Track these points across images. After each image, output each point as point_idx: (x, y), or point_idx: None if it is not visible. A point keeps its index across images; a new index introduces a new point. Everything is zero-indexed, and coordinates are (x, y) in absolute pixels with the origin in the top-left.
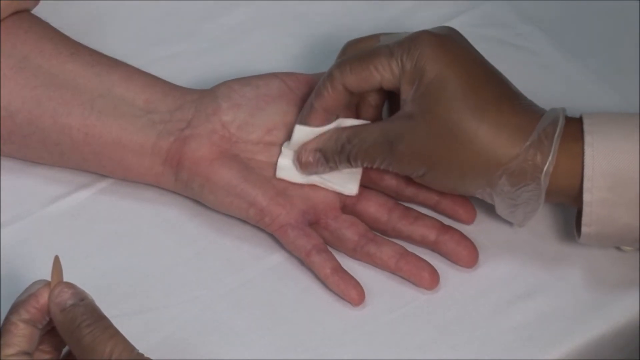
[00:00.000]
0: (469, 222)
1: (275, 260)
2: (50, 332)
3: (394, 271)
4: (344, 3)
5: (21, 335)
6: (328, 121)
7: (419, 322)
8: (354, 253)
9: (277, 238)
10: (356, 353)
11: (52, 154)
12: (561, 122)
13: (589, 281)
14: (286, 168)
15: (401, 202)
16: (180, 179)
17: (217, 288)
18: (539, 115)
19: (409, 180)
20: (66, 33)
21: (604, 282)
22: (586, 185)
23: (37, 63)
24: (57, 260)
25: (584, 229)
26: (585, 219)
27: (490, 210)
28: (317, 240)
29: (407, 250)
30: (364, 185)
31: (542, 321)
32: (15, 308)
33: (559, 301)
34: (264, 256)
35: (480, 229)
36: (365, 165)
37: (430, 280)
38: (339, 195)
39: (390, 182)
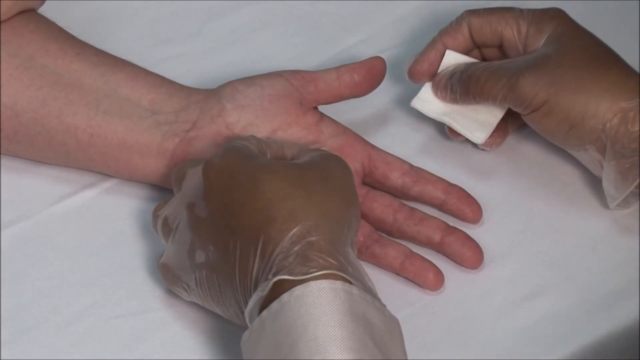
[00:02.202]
0: (475, 221)
1: None
2: None
3: (398, 272)
4: (349, 3)
5: None
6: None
7: (424, 323)
8: (359, 254)
9: None
10: None
11: (58, 153)
12: None
13: (594, 282)
14: (423, 99)
15: (407, 203)
16: None
17: None
18: None
19: (415, 179)
20: (72, 32)
21: (609, 282)
22: None
23: (42, 63)
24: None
25: None
26: None
27: (494, 210)
28: None
29: (412, 251)
30: (369, 186)
31: (547, 322)
32: None
33: (564, 302)
34: None
35: (485, 230)
36: (482, 91)
37: (434, 281)
38: None
39: (396, 181)
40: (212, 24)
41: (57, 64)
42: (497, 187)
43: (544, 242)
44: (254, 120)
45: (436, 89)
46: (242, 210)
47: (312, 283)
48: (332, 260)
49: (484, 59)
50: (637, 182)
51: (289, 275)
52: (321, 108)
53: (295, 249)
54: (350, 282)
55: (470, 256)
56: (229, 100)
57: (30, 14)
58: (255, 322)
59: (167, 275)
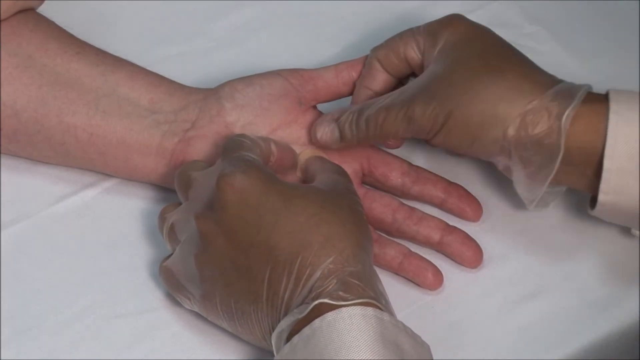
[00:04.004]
0: (475, 219)
1: None
2: None
3: (397, 271)
4: (350, 3)
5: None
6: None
7: (424, 323)
8: None
9: None
10: None
11: (58, 153)
12: (586, 86)
13: (594, 281)
14: None
15: (407, 202)
16: None
17: None
18: (561, 81)
19: (414, 178)
20: (71, 32)
21: (609, 282)
22: (607, 151)
23: (42, 62)
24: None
25: (600, 196)
26: (603, 186)
27: (495, 209)
28: None
29: (410, 251)
30: (369, 186)
31: (547, 321)
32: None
33: (564, 301)
34: None
35: (485, 229)
36: (382, 131)
37: (433, 280)
38: None
39: (396, 181)
40: (212, 24)
41: (56, 63)
42: (497, 186)
43: (544, 242)
44: (254, 120)
45: (318, 140)
46: (272, 230)
47: (344, 309)
48: (369, 291)
49: None
50: (548, 182)
51: (330, 300)
52: (321, 107)
53: (336, 275)
54: (379, 309)
55: (470, 255)
56: (228, 99)
57: (29, 13)
58: (286, 347)
59: (170, 281)
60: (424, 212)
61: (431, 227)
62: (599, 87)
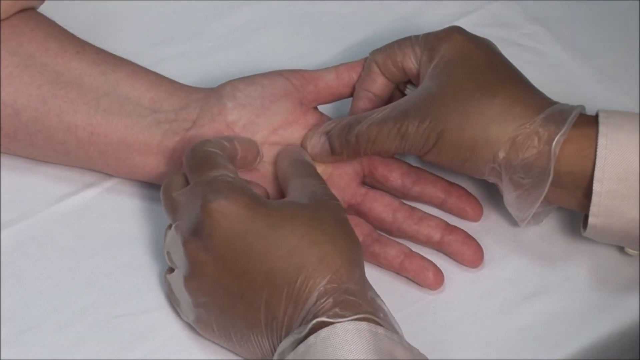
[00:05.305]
0: (476, 219)
1: None
2: None
3: (398, 271)
4: (351, 3)
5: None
6: (374, 104)
7: (425, 322)
8: None
9: None
10: None
11: (58, 152)
12: (578, 108)
13: (596, 281)
14: None
15: (407, 202)
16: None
17: None
18: (554, 102)
19: (414, 179)
20: (72, 31)
21: (610, 282)
22: (597, 174)
23: (42, 61)
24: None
25: (591, 219)
26: (593, 209)
27: (496, 210)
28: None
29: (411, 250)
30: (369, 186)
31: (548, 321)
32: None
33: (565, 301)
34: None
35: (485, 229)
36: (374, 147)
37: (434, 280)
38: (343, 195)
39: (395, 182)
40: (212, 24)
41: (57, 63)
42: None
43: (545, 242)
44: (255, 119)
45: (312, 154)
46: (265, 256)
47: (338, 325)
48: (366, 306)
49: None
50: (537, 204)
51: (327, 318)
52: (322, 108)
53: (332, 294)
54: (376, 323)
55: (470, 255)
56: (229, 99)
57: (30, 13)
58: None
59: (171, 295)
60: (424, 212)
61: (432, 227)
62: (599, 87)
